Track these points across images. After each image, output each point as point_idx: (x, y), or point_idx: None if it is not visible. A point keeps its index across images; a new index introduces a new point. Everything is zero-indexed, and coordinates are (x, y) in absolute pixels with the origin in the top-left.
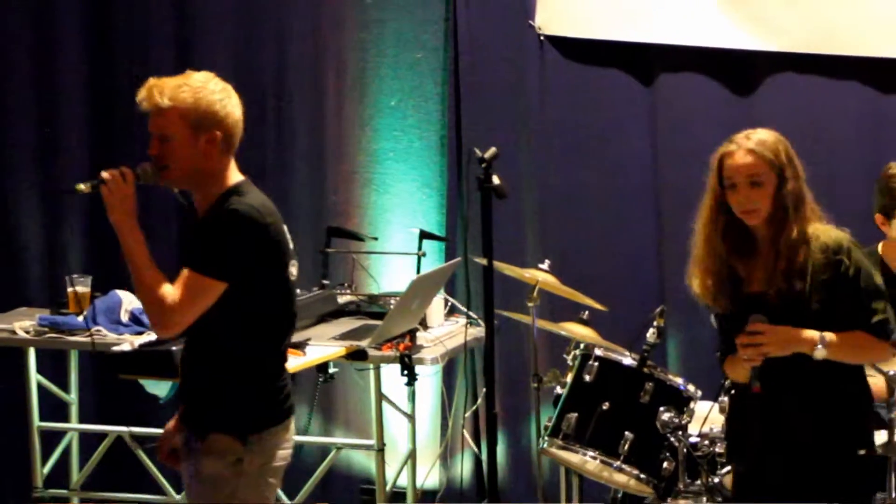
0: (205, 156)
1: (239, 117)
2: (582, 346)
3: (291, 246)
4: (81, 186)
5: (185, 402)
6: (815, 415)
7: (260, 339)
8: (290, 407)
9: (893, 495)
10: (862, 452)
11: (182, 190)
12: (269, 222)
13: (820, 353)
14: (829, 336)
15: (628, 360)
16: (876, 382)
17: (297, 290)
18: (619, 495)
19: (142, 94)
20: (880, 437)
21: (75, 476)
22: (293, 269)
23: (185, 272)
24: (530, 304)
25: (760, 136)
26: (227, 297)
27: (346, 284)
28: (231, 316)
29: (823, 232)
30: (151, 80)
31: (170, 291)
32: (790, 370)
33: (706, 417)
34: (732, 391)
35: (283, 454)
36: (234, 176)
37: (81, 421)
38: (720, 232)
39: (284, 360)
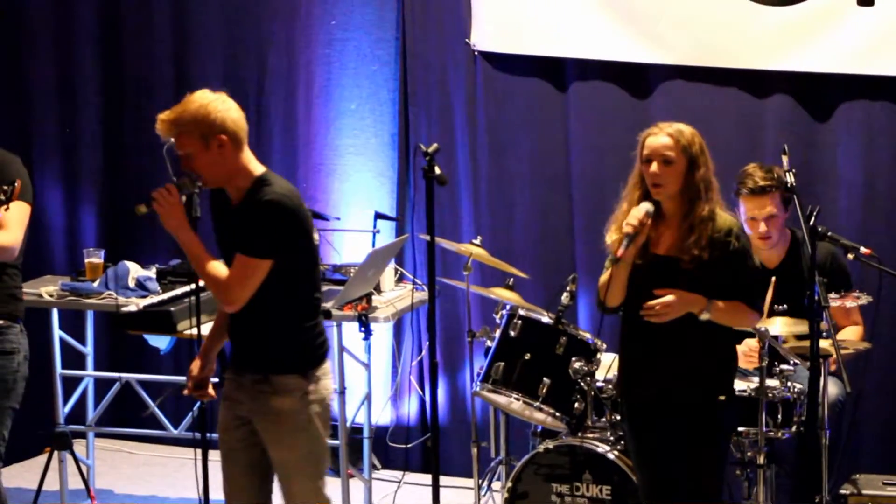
0: (221, 158)
1: (237, 116)
2: (508, 307)
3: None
4: (142, 208)
5: (247, 352)
6: (687, 363)
7: (302, 294)
8: (328, 345)
9: (764, 429)
10: (722, 398)
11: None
12: (296, 203)
13: (705, 315)
14: (715, 303)
15: (546, 318)
16: None
17: None
18: (539, 430)
19: (158, 129)
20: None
21: (90, 414)
22: (315, 235)
23: (238, 256)
24: (465, 273)
25: (680, 127)
26: (274, 267)
27: None
28: (279, 281)
29: (720, 215)
30: (159, 116)
31: (225, 273)
32: (673, 329)
33: (610, 366)
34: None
35: (332, 385)
36: (257, 167)
37: (96, 369)
38: (638, 200)
39: (320, 307)
